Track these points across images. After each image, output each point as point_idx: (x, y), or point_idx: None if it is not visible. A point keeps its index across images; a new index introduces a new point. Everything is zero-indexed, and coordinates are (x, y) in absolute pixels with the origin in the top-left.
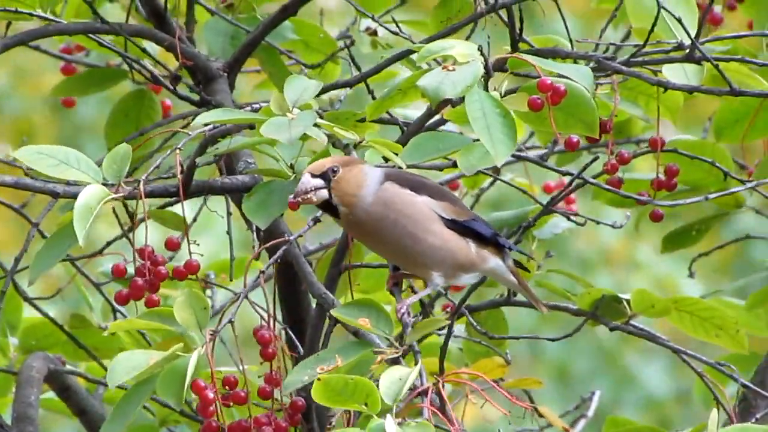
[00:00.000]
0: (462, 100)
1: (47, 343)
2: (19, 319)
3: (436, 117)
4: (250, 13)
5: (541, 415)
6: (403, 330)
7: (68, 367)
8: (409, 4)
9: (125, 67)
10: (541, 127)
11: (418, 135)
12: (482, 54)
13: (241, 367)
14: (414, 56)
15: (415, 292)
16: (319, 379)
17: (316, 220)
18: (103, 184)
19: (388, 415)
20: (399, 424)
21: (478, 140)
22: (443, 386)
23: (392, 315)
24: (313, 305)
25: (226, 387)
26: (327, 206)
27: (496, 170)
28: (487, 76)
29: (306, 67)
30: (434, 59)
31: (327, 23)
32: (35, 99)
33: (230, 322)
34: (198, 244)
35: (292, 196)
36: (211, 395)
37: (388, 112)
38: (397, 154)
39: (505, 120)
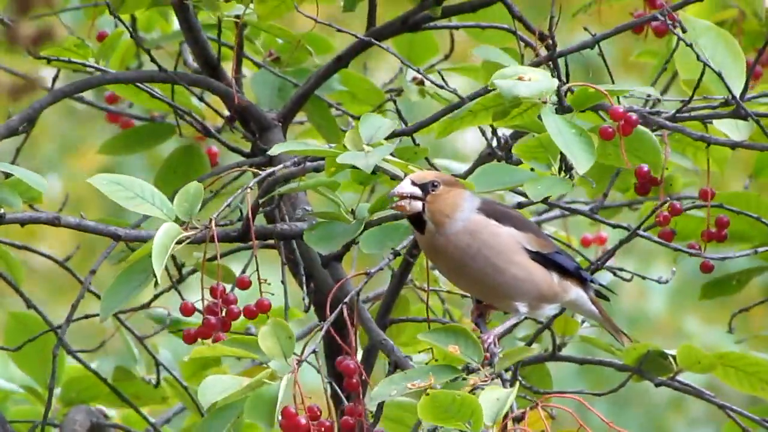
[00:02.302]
0: (520, 136)
1: (88, 395)
2: (62, 371)
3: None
4: (297, 66)
5: None
6: (491, 359)
7: (111, 421)
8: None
9: (170, 118)
10: (603, 160)
11: (486, 164)
12: (554, 76)
13: (327, 396)
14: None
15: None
16: (427, 394)
17: (396, 254)
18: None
19: None
20: None
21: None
22: (540, 410)
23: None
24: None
25: (311, 417)
26: (416, 220)
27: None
28: (560, 103)
29: (353, 119)
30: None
31: (371, 73)
32: (81, 171)
33: (314, 352)
34: (269, 283)
35: (389, 193)
36: (302, 422)
37: (429, 162)
38: None
39: (582, 137)
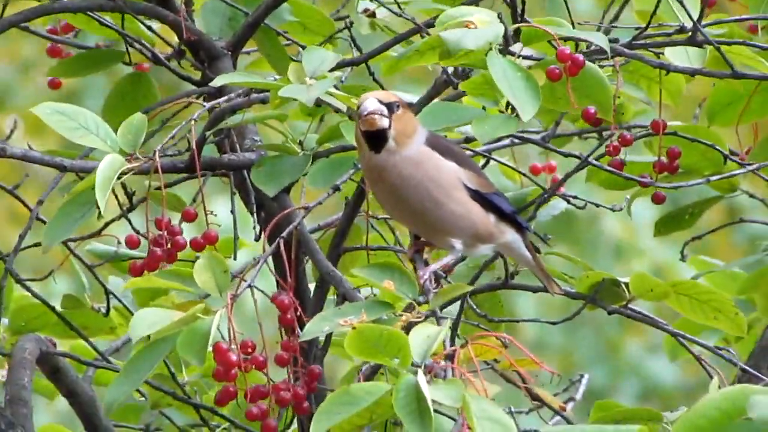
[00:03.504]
0: (465, 77)
1: (37, 324)
2: (10, 300)
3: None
4: None
5: (535, 397)
6: (426, 296)
7: (60, 349)
8: None
9: (120, 47)
10: (552, 105)
11: (432, 103)
12: (502, 21)
13: (260, 332)
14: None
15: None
16: (354, 328)
17: (336, 188)
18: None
19: (420, 370)
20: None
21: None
22: (470, 349)
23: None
24: (311, 287)
25: (244, 351)
26: (374, 137)
27: (489, 151)
28: (506, 43)
29: (303, 48)
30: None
31: (321, 3)
32: (41, 93)
33: (250, 286)
34: (215, 215)
35: (361, 113)
36: (233, 357)
37: (382, 87)
38: None
39: (528, 83)
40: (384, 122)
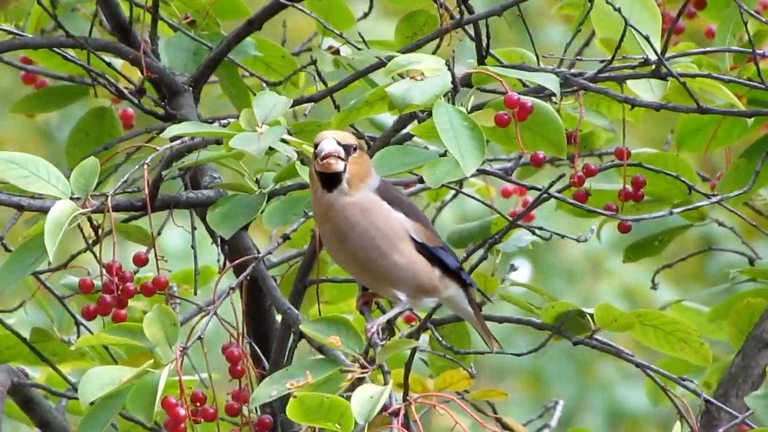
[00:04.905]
0: (429, 114)
1: (9, 355)
2: None
3: (403, 132)
4: (212, 30)
5: (505, 426)
6: (373, 349)
7: (31, 380)
8: (374, 18)
9: (87, 80)
10: (506, 146)
11: (384, 148)
12: (450, 68)
13: (210, 384)
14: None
15: (383, 312)
16: (295, 396)
17: (286, 237)
18: (71, 198)
19: None
20: None
21: (444, 154)
22: (413, 408)
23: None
24: (279, 321)
25: (195, 403)
26: (328, 178)
27: (459, 183)
28: (454, 90)
29: (267, 84)
30: (401, 73)
31: (288, 37)
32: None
33: (199, 338)
34: (166, 260)
35: (318, 153)
36: (182, 412)
37: (354, 126)
38: None
39: (473, 132)
40: (340, 165)
